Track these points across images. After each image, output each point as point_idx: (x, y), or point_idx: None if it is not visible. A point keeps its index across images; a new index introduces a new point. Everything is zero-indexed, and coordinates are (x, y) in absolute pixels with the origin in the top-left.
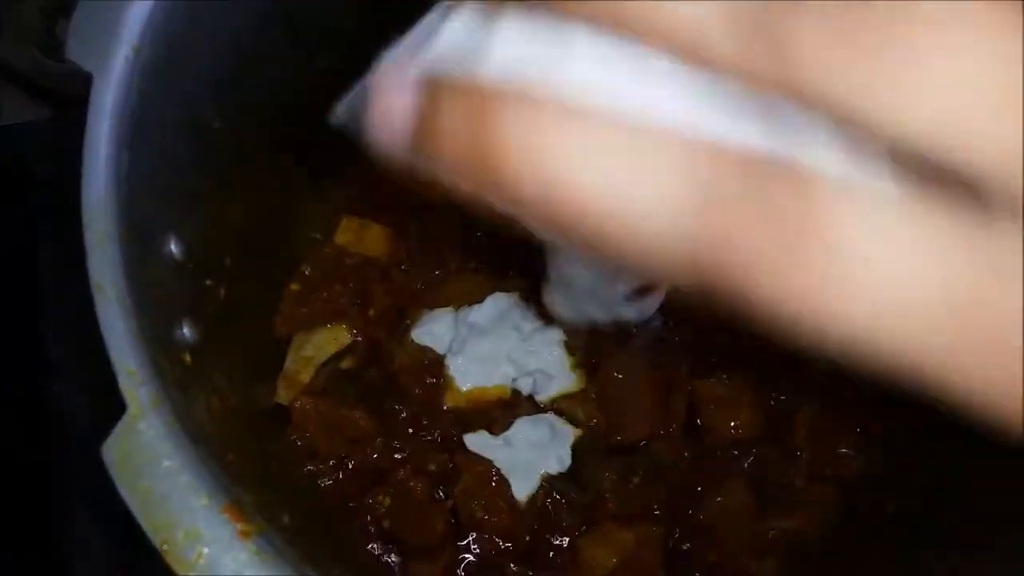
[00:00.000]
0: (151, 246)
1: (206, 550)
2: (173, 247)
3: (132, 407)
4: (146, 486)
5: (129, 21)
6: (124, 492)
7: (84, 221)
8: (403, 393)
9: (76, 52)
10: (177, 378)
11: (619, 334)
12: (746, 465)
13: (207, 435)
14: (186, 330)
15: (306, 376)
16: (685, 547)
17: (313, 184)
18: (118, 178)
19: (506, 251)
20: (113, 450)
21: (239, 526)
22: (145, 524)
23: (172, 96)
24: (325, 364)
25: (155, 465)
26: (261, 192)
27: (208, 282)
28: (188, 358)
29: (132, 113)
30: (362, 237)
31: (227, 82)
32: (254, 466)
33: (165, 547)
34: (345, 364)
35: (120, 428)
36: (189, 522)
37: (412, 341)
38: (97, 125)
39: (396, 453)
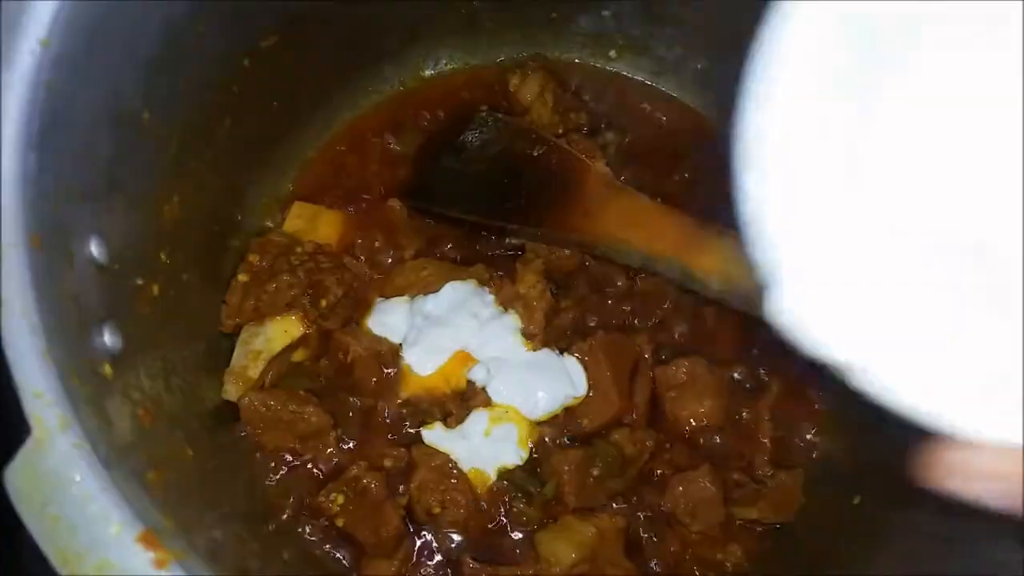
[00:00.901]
0: (67, 252)
1: None
2: (94, 250)
3: (37, 430)
4: (54, 514)
5: (34, 10)
6: (29, 521)
7: None
8: (357, 385)
9: None
10: (92, 395)
11: (581, 320)
12: (709, 453)
13: (128, 453)
14: (107, 338)
15: (255, 371)
16: (647, 537)
17: (260, 169)
18: (25, 182)
19: (463, 238)
20: (17, 476)
21: (154, 555)
22: (52, 555)
23: (91, 89)
24: (275, 358)
25: (63, 492)
26: (201, 181)
27: (139, 281)
28: (108, 370)
29: (42, 112)
30: (314, 224)
31: (157, 66)
32: (188, 477)
33: None
34: (296, 357)
35: (24, 453)
36: (100, 553)
37: (367, 331)
38: None
39: (350, 449)
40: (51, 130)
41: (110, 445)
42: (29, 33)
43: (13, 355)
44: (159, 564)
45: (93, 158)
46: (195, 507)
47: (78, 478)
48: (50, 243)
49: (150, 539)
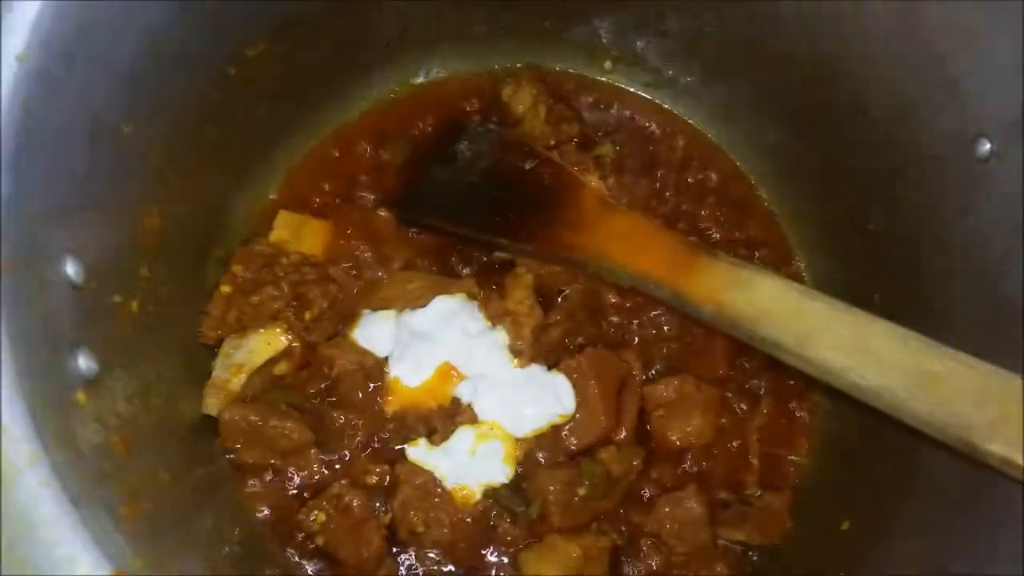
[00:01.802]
0: (38, 275)
1: None
2: (70, 270)
3: (4, 468)
4: (20, 557)
5: (10, 25)
6: None
7: None
8: (342, 400)
9: None
10: (63, 426)
11: (570, 336)
12: (696, 473)
13: (100, 485)
14: (81, 362)
15: (236, 384)
16: (632, 558)
17: (244, 178)
18: None
19: (451, 250)
20: None
21: None
22: None
23: (69, 105)
24: (257, 371)
25: (30, 533)
26: (183, 192)
27: (116, 299)
28: (82, 397)
29: (17, 131)
30: (299, 234)
31: (137, 79)
32: (163, 506)
33: None
34: (279, 370)
35: None
36: None
37: (353, 344)
38: None
39: (332, 465)
40: (25, 149)
41: (80, 480)
42: (5, 47)
43: None
44: None
45: (67, 175)
46: (170, 538)
47: (46, 519)
48: (21, 267)
49: None
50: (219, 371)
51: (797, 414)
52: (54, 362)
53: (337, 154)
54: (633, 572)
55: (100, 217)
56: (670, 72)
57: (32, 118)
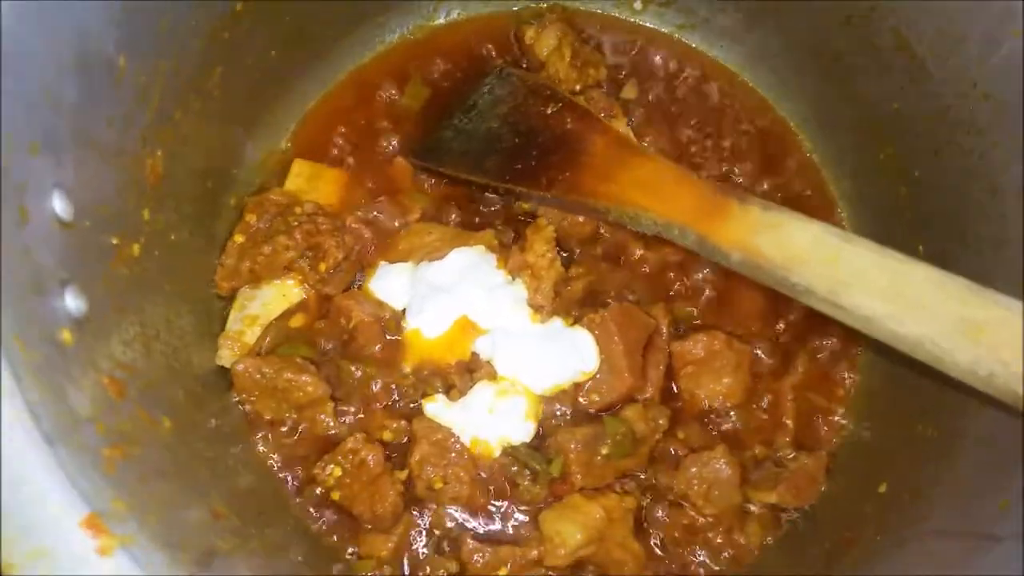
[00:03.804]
0: (18, 207)
1: (54, 572)
2: (56, 206)
3: None
4: None
5: None
6: None
7: None
8: (358, 353)
9: None
10: (42, 363)
11: (593, 290)
12: (725, 433)
13: (81, 427)
14: (69, 301)
15: (251, 336)
16: (658, 517)
17: (257, 123)
18: None
19: (471, 200)
20: None
21: (99, 541)
22: None
23: (53, 29)
24: (272, 323)
25: None
26: (190, 135)
27: (113, 240)
28: (67, 336)
29: None
30: (315, 183)
31: (129, 4)
32: (159, 452)
33: (7, 567)
34: (294, 323)
35: None
36: (35, 539)
37: (369, 296)
38: None
39: (348, 420)
40: (6, 74)
41: (56, 419)
42: None
43: None
44: (103, 551)
45: (54, 105)
46: (164, 484)
47: (12, 455)
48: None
49: (94, 523)
50: (233, 322)
51: (834, 372)
52: (35, 297)
53: (353, 100)
54: (658, 532)
55: (95, 155)
56: (704, 12)
57: (12, 40)
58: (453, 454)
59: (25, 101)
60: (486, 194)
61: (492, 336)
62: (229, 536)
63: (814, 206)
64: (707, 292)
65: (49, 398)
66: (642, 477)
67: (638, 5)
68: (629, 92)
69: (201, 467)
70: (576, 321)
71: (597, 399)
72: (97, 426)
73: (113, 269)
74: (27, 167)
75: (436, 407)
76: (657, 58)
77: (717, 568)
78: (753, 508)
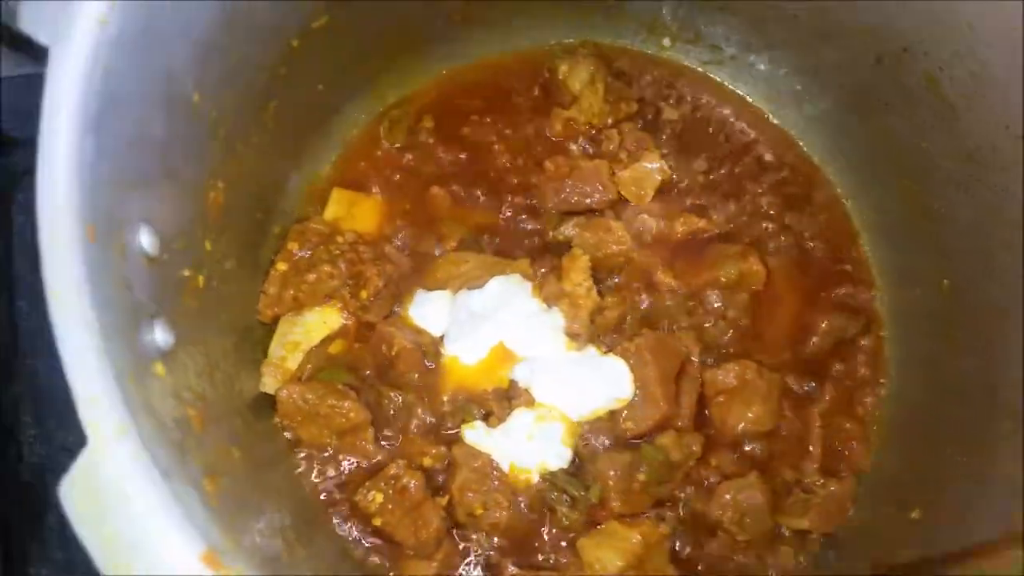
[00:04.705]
0: (120, 243)
1: None
2: (144, 240)
3: (93, 439)
4: (111, 531)
5: None
6: (86, 537)
7: (39, 222)
8: (399, 379)
9: (29, 22)
10: (147, 397)
11: (627, 318)
12: (756, 460)
13: (184, 459)
14: (158, 335)
15: (293, 362)
16: (693, 544)
17: (303, 154)
18: (81, 168)
19: (506, 230)
20: (73, 490)
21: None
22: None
23: (147, 69)
24: (313, 349)
25: (121, 507)
26: (247, 166)
27: (186, 272)
28: (160, 369)
29: (99, 93)
30: (353, 211)
31: (210, 45)
32: (239, 482)
33: None
34: (334, 349)
35: (80, 465)
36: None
37: (409, 323)
38: (55, 110)
39: (389, 446)
40: (107, 112)
41: (167, 454)
42: (87, 11)
43: (67, 354)
44: None
45: (148, 142)
46: (247, 515)
47: (137, 492)
48: (104, 234)
49: (212, 559)
50: (276, 349)
51: (861, 400)
52: (135, 332)
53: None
54: (694, 558)
55: (175, 189)
56: (731, 50)
57: (113, 81)
58: (493, 480)
59: (125, 139)
60: (519, 224)
61: (530, 363)
62: (303, 564)
63: (837, 237)
64: (737, 320)
65: (157, 432)
66: (677, 503)
67: (667, 42)
68: (661, 126)
69: (267, 496)
70: (610, 349)
71: (632, 426)
72: (194, 458)
73: (185, 301)
74: (126, 204)
75: (476, 433)
76: (686, 93)
77: None
78: (785, 532)
